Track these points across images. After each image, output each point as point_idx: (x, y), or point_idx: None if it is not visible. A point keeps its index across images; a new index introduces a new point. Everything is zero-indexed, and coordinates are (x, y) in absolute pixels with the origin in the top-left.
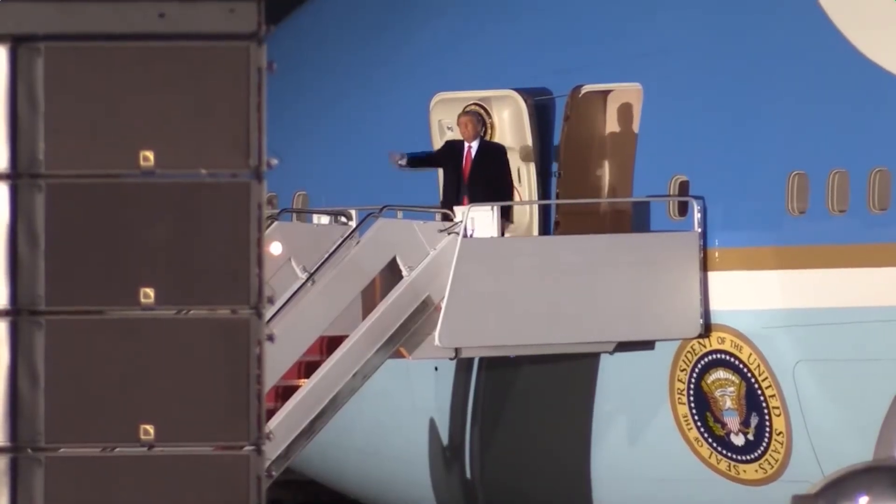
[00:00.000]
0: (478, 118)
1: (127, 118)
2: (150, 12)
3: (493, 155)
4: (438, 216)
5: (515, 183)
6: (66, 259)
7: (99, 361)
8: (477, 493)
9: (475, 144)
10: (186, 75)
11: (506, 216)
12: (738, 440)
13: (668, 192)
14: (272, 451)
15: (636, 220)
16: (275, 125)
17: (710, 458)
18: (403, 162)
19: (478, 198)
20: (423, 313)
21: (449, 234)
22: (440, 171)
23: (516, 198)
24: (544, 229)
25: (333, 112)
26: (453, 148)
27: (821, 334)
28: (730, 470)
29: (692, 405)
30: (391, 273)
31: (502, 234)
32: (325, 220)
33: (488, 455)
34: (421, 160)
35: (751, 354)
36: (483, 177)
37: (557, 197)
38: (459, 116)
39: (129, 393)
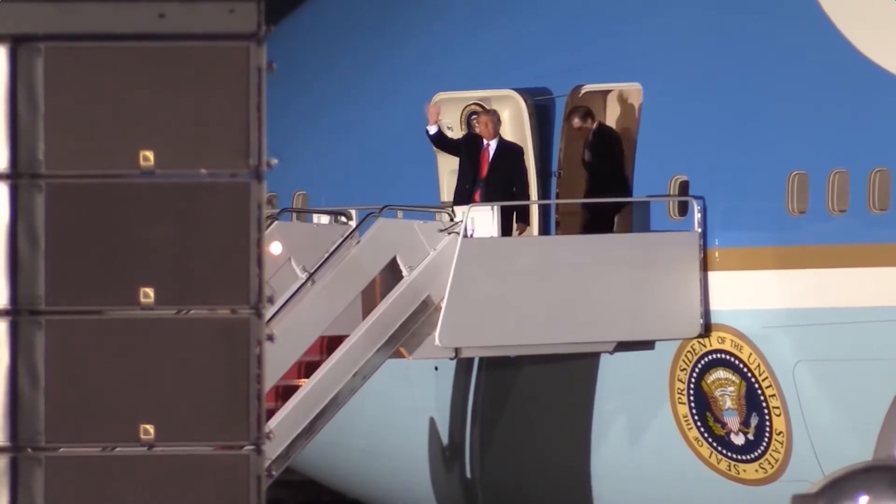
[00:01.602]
0: (497, 118)
1: (127, 118)
2: (150, 12)
3: (512, 156)
4: (439, 216)
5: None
6: (66, 259)
7: (99, 361)
8: (477, 493)
9: (494, 143)
10: (186, 75)
11: (522, 219)
12: (739, 440)
13: (668, 192)
14: (272, 450)
15: (636, 220)
16: (275, 125)
17: (710, 457)
18: (433, 131)
19: (493, 197)
20: (424, 313)
21: (449, 234)
22: (440, 169)
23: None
24: (544, 229)
25: (333, 112)
26: (474, 142)
27: (821, 334)
28: (730, 470)
29: (692, 405)
30: (391, 273)
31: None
32: (325, 219)
33: (488, 455)
34: (445, 140)
35: (751, 354)
36: (500, 177)
37: (557, 197)
38: (480, 115)
39: (129, 393)
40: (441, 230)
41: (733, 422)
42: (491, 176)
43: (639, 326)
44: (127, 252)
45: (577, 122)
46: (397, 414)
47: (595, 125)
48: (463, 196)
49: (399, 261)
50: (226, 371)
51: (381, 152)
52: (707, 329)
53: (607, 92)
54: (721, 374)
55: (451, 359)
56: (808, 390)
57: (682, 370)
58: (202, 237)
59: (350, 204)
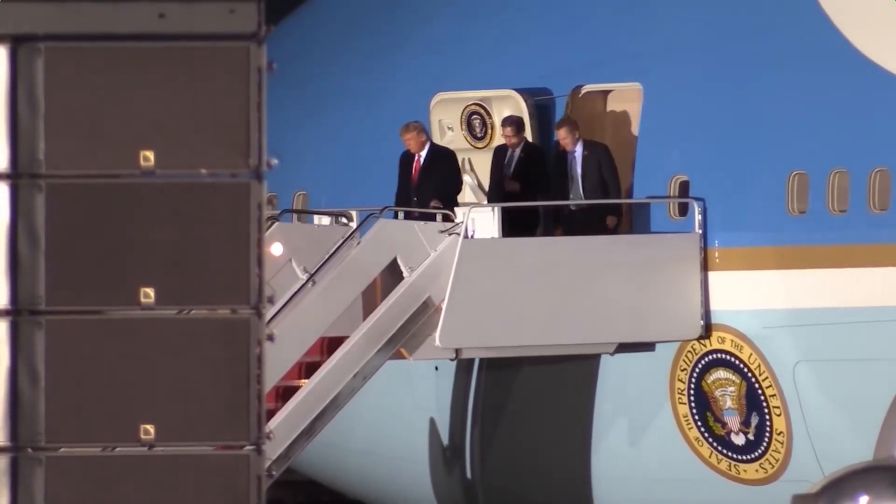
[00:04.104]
0: (419, 130)
1: (127, 118)
2: (150, 12)
3: (441, 160)
4: (439, 217)
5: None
6: (66, 259)
7: (99, 361)
8: (477, 493)
9: (423, 153)
10: (186, 75)
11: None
12: (739, 440)
13: (668, 192)
14: (273, 451)
15: (636, 220)
16: (275, 125)
17: (710, 457)
18: None
19: (425, 205)
20: (424, 314)
21: (450, 234)
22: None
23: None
24: (544, 230)
25: (334, 112)
26: (406, 160)
27: (821, 334)
28: (730, 470)
29: (692, 405)
30: (392, 274)
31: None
32: (325, 220)
33: (489, 455)
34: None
35: (751, 354)
36: (430, 183)
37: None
38: (402, 134)
39: (129, 393)
40: (442, 231)
41: (733, 422)
42: (420, 185)
43: (639, 328)
44: (127, 252)
45: (508, 131)
46: (398, 414)
47: (523, 142)
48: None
49: (399, 262)
50: (226, 371)
51: (382, 152)
52: (707, 329)
53: (607, 92)
54: (721, 374)
55: (452, 360)
56: (808, 390)
57: (682, 370)
58: (202, 237)
59: (351, 204)
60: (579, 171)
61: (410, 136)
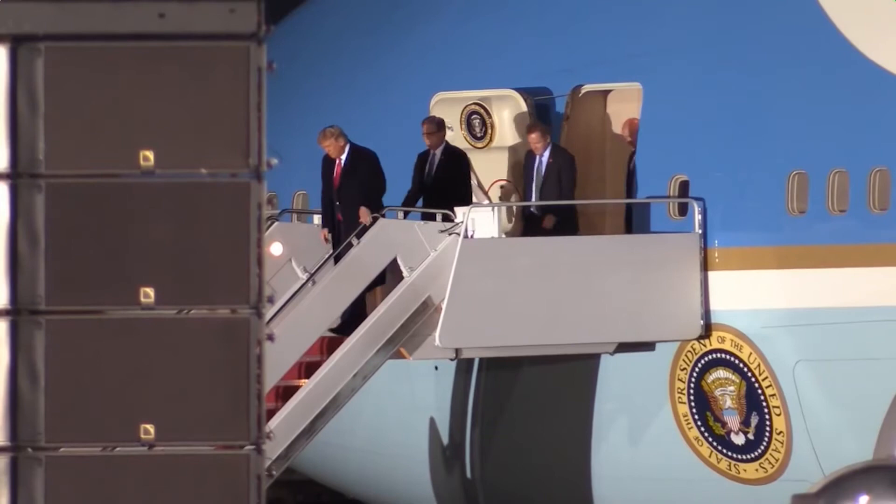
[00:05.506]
0: (336, 136)
1: (127, 118)
2: (150, 12)
3: (360, 163)
4: (439, 217)
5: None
6: (66, 259)
7: (99, 361)
8: (477, 493)
9: (343, 157)
10: (186, 75)
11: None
12: (739, 439)
13: (668, 191)
14: (272, 450)
15: (636, 220)
16: (275, 125)
17: (710, 457)
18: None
19: (348, 207)
20: (424, 314)
21: (449, 234)
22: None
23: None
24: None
25: (334, 112)
26: (327, 164)
27: (821, 334)
28: (730, 469)
29: (692, 404)
30: (392, 274)
31: None
32: None
33: (488, 454)
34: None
35: (751, 354)
36: (350, 186)
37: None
38: (320, 141)
39: (129, 393)
40: (441, 231)
41: (733, 421)
42: (341, 189)
43: (639, 327)
44: (127, 252)
45: (427, 129)
46: (397, 413)
47: (442, 144)
48: (326, 216)
49: (399, 261)
50: (226, 371)
51: (382, 152)
52: (707, 329)
53: (607, 92)
54: (721, 373)
55: (452, 359)
56: (808, 390)
57: (682, 370)
58: (202, 237)
59: None
60: (542, 175)
61: (328, 143)
